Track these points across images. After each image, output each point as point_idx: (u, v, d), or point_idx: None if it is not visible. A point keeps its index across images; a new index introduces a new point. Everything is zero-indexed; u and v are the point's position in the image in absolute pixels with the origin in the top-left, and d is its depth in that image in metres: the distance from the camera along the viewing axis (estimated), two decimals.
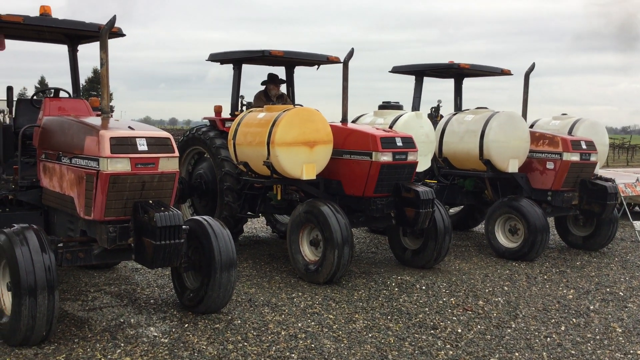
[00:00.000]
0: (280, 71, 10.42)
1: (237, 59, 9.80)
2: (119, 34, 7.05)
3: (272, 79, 10.06)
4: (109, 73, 5.89)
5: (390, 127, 9.24)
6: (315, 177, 8.05)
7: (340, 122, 8.71)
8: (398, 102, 10.74)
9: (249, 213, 9.38)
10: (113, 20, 5.76)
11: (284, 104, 9.46)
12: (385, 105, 10.47)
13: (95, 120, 6.02)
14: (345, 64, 8.43)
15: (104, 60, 5.82)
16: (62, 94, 7.31)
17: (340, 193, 8.47)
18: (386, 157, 8.03)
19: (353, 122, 10.06)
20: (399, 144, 8.20)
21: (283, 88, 10.29)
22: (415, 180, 8.62)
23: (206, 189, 9.73)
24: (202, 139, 9.61)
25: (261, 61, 10.10)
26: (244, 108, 9.73)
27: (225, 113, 9.84)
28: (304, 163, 7.88)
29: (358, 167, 8.19)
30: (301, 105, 9.27)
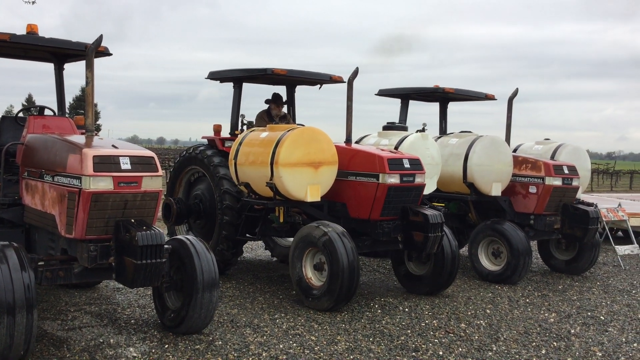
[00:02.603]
0: (280, 90, 10.24)
1: (237, 77, 9.59)
2: (105, 53, 7.08)
3: (276, 99, 9.85)
4: (95, 92, 5.91)
5: (396, 148, 9.07)
6: (320, 199, 7.88)
7: (345, 142, 8.54)
8: (403, 123, 10.59)
9: (247, 235, 9.09)
10: (100, 39, 5.80)
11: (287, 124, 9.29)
12: (390, 126, 10.32)
13: (78, 139, 6.01)
14: (350, 84, 8.31)
15: (90, 79, 5.84)
16: (47, 112, 7.31)
17: (345, 216, 8.24)
18: (393, 179, 7.85)
19: (356, 142, 9.86)
20: (407, 165, 8.04)
21: (284, 108, 10.12)
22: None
23: (204, 210, 9.45)
24: (200, 158, 9.36)
25: (263, 80, 9.95)
26: (244, 128, 9.53)
27: (225, 132, 9.64)
28: (309, 184, 7.71)
29: (364, 189, 8.01)
30: (303, 125, 9.09)
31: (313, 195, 7.75)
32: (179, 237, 6.44)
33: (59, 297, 7.70)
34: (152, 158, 5.78)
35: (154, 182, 5.72)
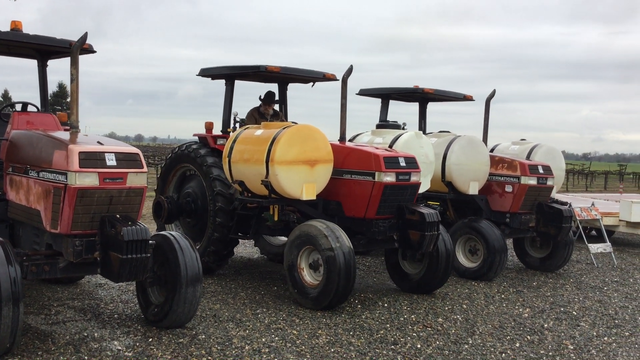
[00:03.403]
0: (272, 88, 10.17)
1: (230, 74, 9.45)
2: (89, 50, 7.14)
3: (267, 97, 9.76)
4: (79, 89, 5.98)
5: (390, 146, 9.07)
6: (315, 198, 7.85)
7: (339, 140, 8.54)
8: (396, 122, 10.70)
9: (240, 234, 9.02)
10: (85, 37, 5.88)
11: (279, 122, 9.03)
12: (384, 125, 10.34)
13: (64, 135, 6.09)
14: (344, 81, 8.26)
15: (75, 76, 5.91)
16: (30, 108, 7.35)
17: (340, 214, 8.20)
18: (389, 178, 7.85)
19: (350, 141, 9.80)
20: (402, 164, 8.05)
21: (276, 106, 10.05)
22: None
23: (195, 209, 9.31)
24: (192, 156, 9.22)
25: (255, 77, 9.78)
26: (237, 125, 9.46)
27: (216, 130, 9.48)
28: (304, 183, 7.66)
29: (359, 187, 7.99)
30: (297, 123, 8.86)
31: (309, 193, 7.72)
32: (163, 232, 6.53)
33: (41, 292, 7.74)
34: (137, 155, 5.87)
35: (139, 179, 5.81)
